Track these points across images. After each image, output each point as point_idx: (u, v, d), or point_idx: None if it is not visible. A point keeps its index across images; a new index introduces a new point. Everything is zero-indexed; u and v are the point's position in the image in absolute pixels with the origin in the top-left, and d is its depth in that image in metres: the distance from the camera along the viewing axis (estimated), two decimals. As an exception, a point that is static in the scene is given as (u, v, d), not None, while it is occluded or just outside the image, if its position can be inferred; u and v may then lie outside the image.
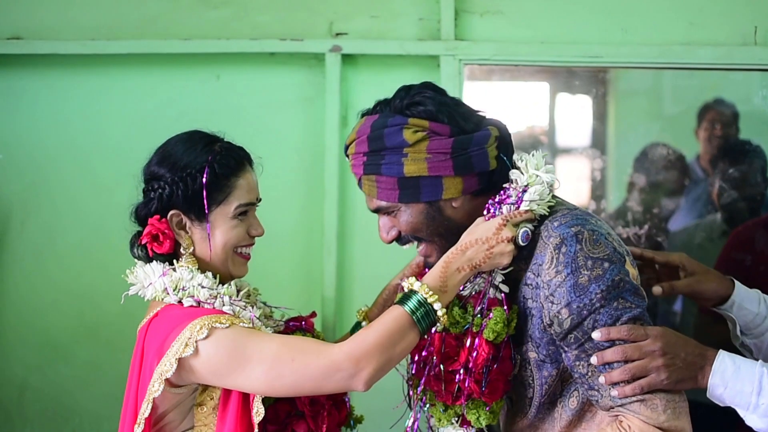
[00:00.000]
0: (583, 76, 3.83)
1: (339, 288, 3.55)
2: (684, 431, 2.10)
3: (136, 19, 3.63)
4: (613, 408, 2.14)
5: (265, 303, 2.49)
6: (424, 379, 2.28)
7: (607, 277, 2.11)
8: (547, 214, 2.25)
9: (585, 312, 2.10)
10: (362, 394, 2.33)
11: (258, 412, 2.18)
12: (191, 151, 2.30)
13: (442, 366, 2.25)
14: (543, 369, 2.22)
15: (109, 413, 3.62)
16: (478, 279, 2.27)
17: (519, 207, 2.22)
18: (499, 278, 2.25)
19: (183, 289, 2.26)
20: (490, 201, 2.26)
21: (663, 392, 2.11)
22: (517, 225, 2.21)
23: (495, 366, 2.20)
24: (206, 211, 2.27)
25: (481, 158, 2.23)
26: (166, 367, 2.14)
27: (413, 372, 2.36)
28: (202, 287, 2.26)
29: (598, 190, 3.90)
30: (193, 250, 2.31)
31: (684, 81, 3.91)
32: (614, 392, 2.11)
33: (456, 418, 2.25)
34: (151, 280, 2.29)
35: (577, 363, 2.15)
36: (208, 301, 2.25)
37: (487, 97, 3.70)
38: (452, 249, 2.21)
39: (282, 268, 3.58)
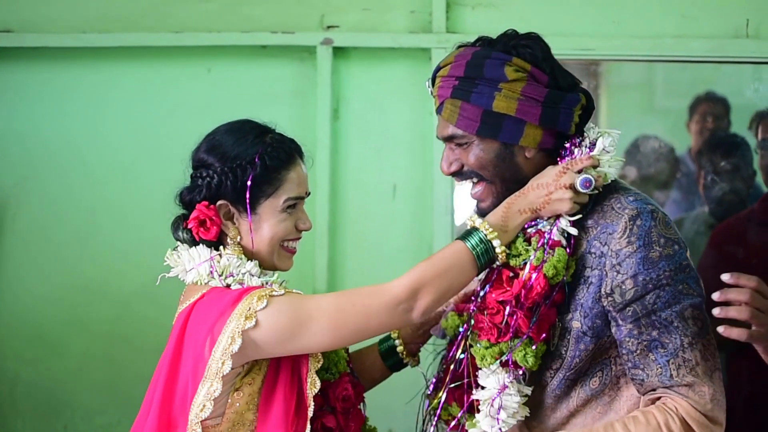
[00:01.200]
0: (575, 69, 3.78)
1: (330, 282, 3.53)
2: (722, 425, 2.10)
3: (127, 12, 3.61)
4: (655, 390, 2.12)
5: None
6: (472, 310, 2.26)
7: (676, 259, 2.12)
8: (614, 173, 2.25)
9: (650, 286, 2.10)
10: (374, 392, 2.35)
11: (313, 382, 2.18)
12: (242, 142, 2.25)
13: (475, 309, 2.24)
14: (581, 342, 2.19)
15: (101, 407, 3.63)
16: (544, 223, 2.23)
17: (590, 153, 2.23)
18: (564, 222, 2.22)
19: (231, 275, 2.22)
20: (566, 145, 2.26)
21: (710, 382, 2.10)
22: (580, 172, 2.20)
23: (545, 305, 2.19)
24: (249, 204, 2.24)
25: (566, 118, 2.23)
26: (228, 342, 2.10)
27: (434, 382, 2.37)
28: (251, 275, 2.23)
29: (589, 183, 3.89)
30: (240, 239, 2.28)
31: (676, 74, 3.89)
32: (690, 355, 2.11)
33: (499, 357, 2.20)
34: (195, 263, 2.25)
35: (628, 339, 2.13)
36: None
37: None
38: (517, 192, 2.22)
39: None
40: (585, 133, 2.27)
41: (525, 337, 2.17)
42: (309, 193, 2.34)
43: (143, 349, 3.18)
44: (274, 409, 2.18)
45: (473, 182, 2.28)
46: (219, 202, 2.24)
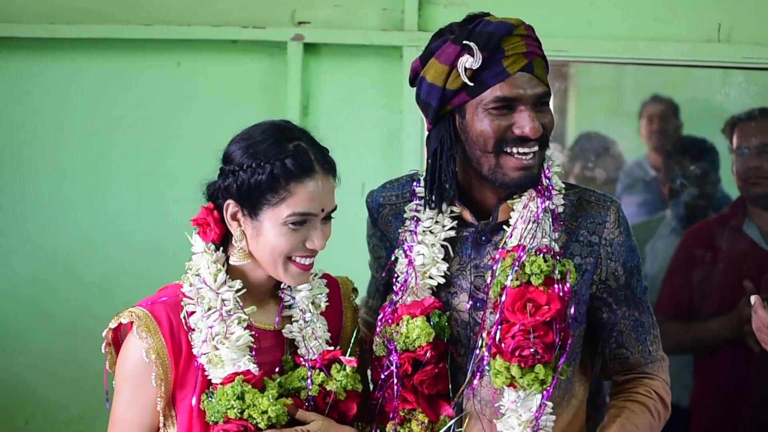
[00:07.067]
0: (546, 70, 3.80)
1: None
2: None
3: (97, 3, 3.46)
4: (629, 372, 2.29)
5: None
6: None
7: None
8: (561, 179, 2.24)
9: (635, 271, 2.25)
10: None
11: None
12: (261, 144, 2.10)
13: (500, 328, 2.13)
14: (571, 328, 2.15)
15: (63, 402, 3.51)
16: (538, 232, 2.15)
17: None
18: (548, 227, 2.17)
19: (189, 270, 2.14)
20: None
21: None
22: None
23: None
24: (251, 209, 2.14)
25: None
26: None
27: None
28: (200, 275, 2.12)
29: (559, 185, 3.89)
30: (246, 244, 2.14)
31: (645, 77, 3.87)
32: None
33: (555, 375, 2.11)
34: (194, 250, 2.17)
35: (623, 321, 2.26)
36: (190, 292, 2.12)
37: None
38: None
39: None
40: None
41: (568, 347, 2.11)
42: (326, 210, 2.15)
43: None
44: None
45: (532, 150, 2.14)
46: (227, 201, 2.10)
